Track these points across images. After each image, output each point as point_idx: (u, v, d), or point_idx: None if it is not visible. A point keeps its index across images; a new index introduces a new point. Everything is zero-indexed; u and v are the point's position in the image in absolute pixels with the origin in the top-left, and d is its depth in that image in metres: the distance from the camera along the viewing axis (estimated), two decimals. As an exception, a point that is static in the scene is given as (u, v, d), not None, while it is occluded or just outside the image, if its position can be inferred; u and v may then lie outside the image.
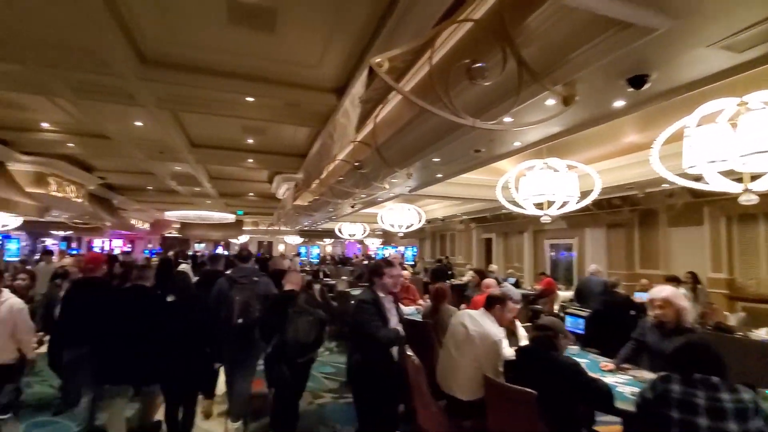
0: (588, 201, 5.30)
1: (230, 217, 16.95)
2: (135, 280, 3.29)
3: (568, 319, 4.97)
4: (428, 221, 11.23)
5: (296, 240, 25.12)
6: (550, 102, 3.18)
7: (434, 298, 3.89)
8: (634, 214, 8.01)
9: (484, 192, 7.69)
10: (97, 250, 21.92)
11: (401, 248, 24.97)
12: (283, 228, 23.00)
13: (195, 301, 3.27)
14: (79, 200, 11.65)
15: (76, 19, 3.78)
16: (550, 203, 5.46)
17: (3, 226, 10.33)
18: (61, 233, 19.62)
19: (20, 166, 9.54)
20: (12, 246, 13.99)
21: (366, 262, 14.10)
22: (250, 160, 9.74)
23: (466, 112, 2.05)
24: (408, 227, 10.90)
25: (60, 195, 10.68)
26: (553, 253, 10.92)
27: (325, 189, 5.97)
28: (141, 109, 6.31)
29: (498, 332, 3.00)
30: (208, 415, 3.82)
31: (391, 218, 10.78)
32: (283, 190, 11.46)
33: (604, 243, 9.22)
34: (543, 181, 5.13)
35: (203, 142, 8.64)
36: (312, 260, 21.89)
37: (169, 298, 3.20)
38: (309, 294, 4.46)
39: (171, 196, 15.70)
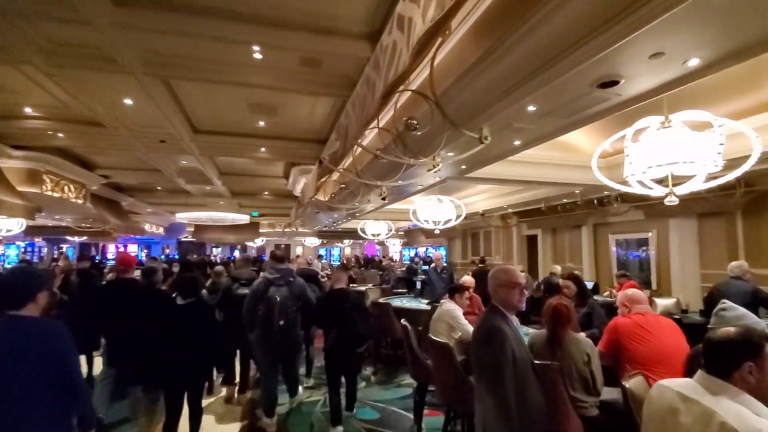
0: (739, 172, 3.69)
1: (244, 218, 15.75)
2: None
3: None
4: (465, 217, 9.64)
5: (315, 242, 23.85)
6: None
7: (552, 320, 2.38)
8: (736, 199, 6.28)
9: (554, 173, 6.09)
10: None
11: (421, 249, 23.43)
12: (300, 229, 21.78)
13: (202, 304, 3.27)
14: (80, 201, 10.54)
15: None
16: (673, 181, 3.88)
17: (7, 231, 9.34)
18: (77, 239, 18.88)
19: (12, 163, 8.44)
20: (11, 252, 13.07)
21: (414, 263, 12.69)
22: (263, 149, 8.40)
23: None
24: (446, 223, 9.37)
25: (56, 195, 9.56)
26: (619, 251, 9.20)
27: (354, 173, 4.58)
28: (128, 80, 5.09)
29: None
30: (228, 400, 4.24)
31: (427, 213, 9.27)
32: (300, 185, 10.12)
33: (695, 236, 7.50)
34: (671, 144, 3.56)
35: (206, 126, 7.34)
36: (333, 263, 20.53)
37: (179, 302, 3.16)
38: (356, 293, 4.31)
39: (183, 196, 14.63)
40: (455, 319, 3.39)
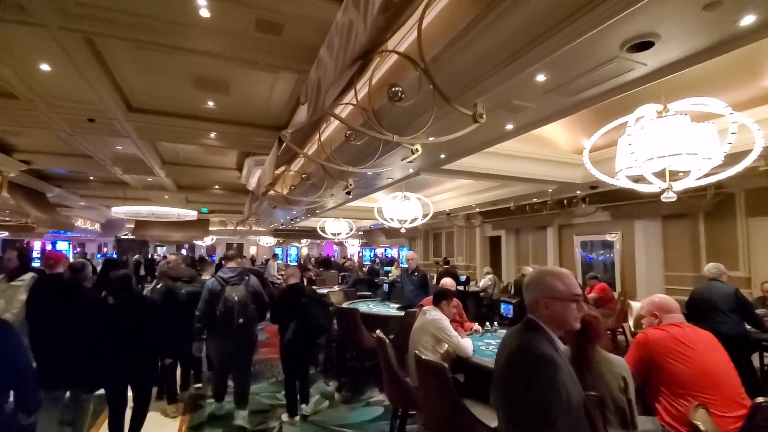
0: (740, 167, 3.43)
1: (191, 214, 14.44)
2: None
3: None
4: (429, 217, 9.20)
5: (270, 241, 22.70)
6: None
7: (579, 335, 1.87)
8: (707, 200, 6.26)
9: (531, 168, 5.72)
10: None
11: (379, 250, 23.04)
12: (255, 227, 20.58)
13: (139, 302, 3.15)
14: (-9, 190, 9.04)
15: None
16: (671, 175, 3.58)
17: None
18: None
19: None
20: None
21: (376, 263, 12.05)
22: (212, 135, 7.48)
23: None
24: (412, 222, 8.89)
25: (-41, 182, 8.09)
26: (582, 252, 9.14)
27: (321, 161, 3.94)
28: (42, 37, 4.15)
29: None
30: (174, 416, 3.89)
31: (393, 211, 8.73)
32: (255, 179, 9.24)
33: (659, 238, 7.50)
34: (672, 135, 3.24)
35: (144, 104, 6.34)
36: (290, 263, 19.49)
37: (110, 300, 3.04)
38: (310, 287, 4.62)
39: (121, 189, 13.15)
40: (443, 331, 2.86)
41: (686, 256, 7.21)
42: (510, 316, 4.18)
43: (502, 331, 3.67)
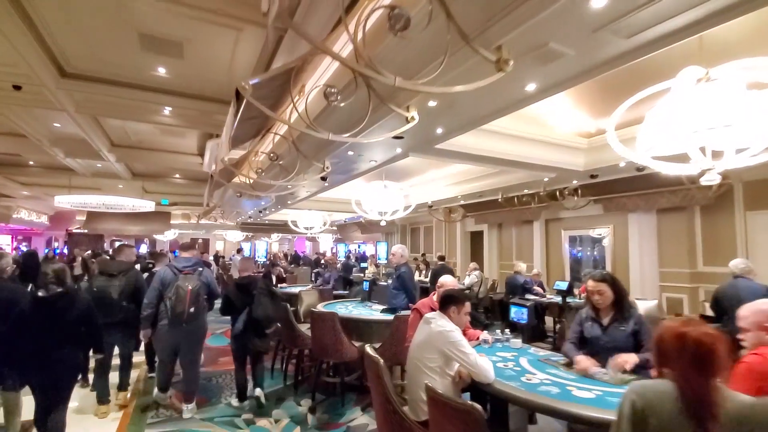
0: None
1: (148, 205, 13.13)
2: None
3: None
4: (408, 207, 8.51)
5: (238, 236, 21.45)
6: None
7: (693, 366, 1.20)
8: (713, 192, 5.88)
9: (533, 152, 5.10)
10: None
11: (352, 247, 22.28)
12: (221, 221, 19.35)
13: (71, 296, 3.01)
14: None
15: None
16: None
17: None
18: None
19: None
20: None
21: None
22: (166, 111, 6.51)
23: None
24: (393, 214, 8.18)
25: None
26: (571, 248, 8.72)
27: (289, 132, 3.17)
28: None
29: None
30: (123, 407, 3.88)
31: (372, 202, 7.99)
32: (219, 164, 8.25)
33: (654, 233, 7.11)
34: (720, 103, 2.68)
35: (80, 68, 5.33)
36: (258, 259, 18.37)
37: (41, 293, 2.91)
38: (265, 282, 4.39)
39: (66, 176, 11.78)
40: (456, 347, 2.17)
41: (682, 251, 6.85)
42: (524, 321, 3.54)
43: (517, 341, 3.02)
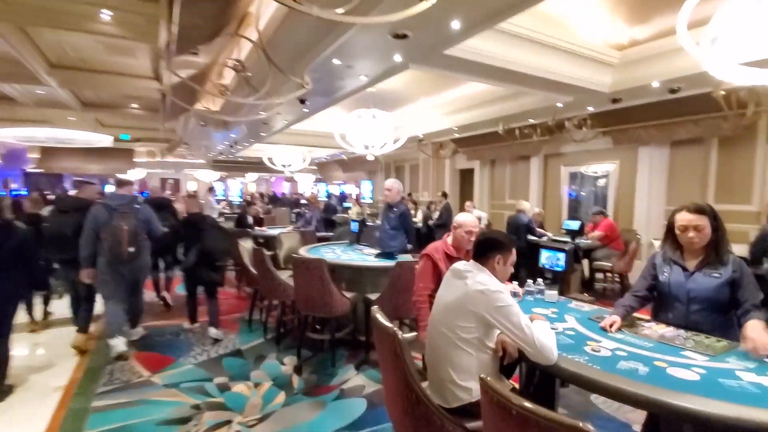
0: None
1: (104, 140, 11.75)
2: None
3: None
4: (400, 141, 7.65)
5: (211, 176, 20.18)
6: None
7: None
8: (746, 119, 5.24)
9: (555, 63, 4.25)
10: None
11: (331, 188, 21.43)
12: (190, 158, 18.03)
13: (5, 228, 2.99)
14: None
15: None
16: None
17: None
18: None
19: None
20: None
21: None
22: (105, 17, 5.23)
23: None
24: (382, 147, 7.34)
25: None
26: (572, 186, 8.16)
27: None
28: None
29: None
30: (83, 351, 3.69)
31: (359, 135, 7.08)
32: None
33: (665, 168, 6.56)
34: None
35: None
36: (233, 200, 17.36)
37: None
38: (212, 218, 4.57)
39: (7, 106, 10.22)
40: (506, 314, 1.51)
41: (693, 189, 6.36)
42: (561, 268, 2.92)
43: (553, 293, 2.43)
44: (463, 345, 1.59)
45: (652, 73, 4.60)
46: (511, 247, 1.72)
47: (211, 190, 11.08)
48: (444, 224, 7.26)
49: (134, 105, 11.24)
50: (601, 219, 5.78)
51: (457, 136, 8.63)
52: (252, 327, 4.28)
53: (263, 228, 7.09)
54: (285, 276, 3.85)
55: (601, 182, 7.59)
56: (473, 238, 2.54)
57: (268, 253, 3.96)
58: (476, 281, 1.61)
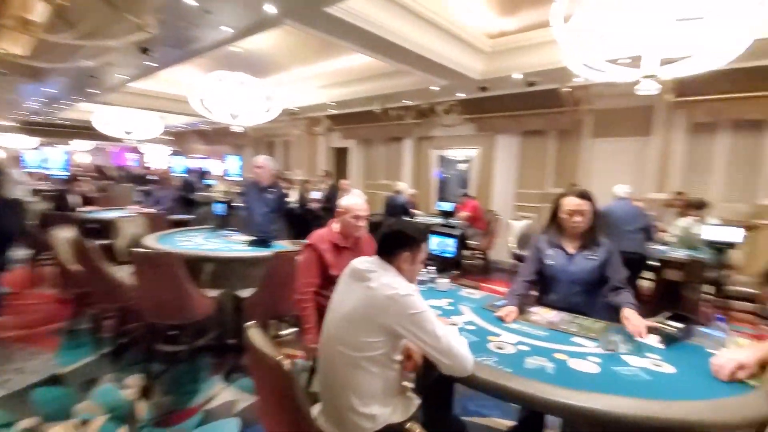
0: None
1: None
2: None
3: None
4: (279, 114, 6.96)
5: (25, 142, 15.76)
6: None
7: None
8: (558, 117, 6.12)
9: (437, 44, 4.19)
10: None
11: (192, 161, 19.10)
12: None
13: None
14: None
15: None
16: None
17: None
18: None
19: None
20: None
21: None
22: None
23: None
24: (252, 118, 6.52)
25: None
26: (441, 168, 8.60)
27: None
28: None
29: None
30: None
31: (221, 101, 6.13)
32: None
33: (518, 155, 7.34)
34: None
35: None
36: (55, 174, 13.88)
37: None
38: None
39: None
40: (420, 324, 1.26)
41: (537, 173, 7.28)
42: (451, 254, 2.84)
43: (444, 282, 2.33)
44: (366, 364, 1.31)
45: (516, 64, 4.96)
46: (422, 242, 1.49)
47: (16, 159, 8.56)
48: (330, 208, 6.92)
49: None
50: (466, 200, 6.19)
51: (333, 112, 8.27)
52: (78, 341, 3.33)
53: (94, 208, 5.67)
54: (126, 272, 3.04)
55: (464, 166, 8.17)
56: (362, 223, 2.28)
57: (99, 243, 3.06)
58: (382, 284, 1.34)
